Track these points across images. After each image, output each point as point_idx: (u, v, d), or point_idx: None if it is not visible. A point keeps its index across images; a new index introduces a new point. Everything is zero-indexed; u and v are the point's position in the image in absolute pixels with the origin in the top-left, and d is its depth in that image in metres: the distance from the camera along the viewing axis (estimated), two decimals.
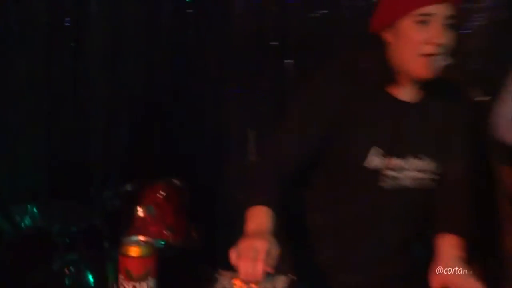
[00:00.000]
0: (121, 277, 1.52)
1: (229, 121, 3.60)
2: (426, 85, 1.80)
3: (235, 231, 1.77)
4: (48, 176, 3.51)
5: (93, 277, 2.74)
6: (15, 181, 3.49)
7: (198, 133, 3.61)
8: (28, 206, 3.11)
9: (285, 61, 3.61)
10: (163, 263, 1.73)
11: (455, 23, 1.73)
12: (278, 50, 3.61)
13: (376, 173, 1.84)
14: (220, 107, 3.60)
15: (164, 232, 2.76)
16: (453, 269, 1.84)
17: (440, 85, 1.76)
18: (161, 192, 2.80)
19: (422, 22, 1.70)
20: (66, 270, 2.77)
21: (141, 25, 3.54)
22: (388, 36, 1.78)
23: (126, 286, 1.51)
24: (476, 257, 3.04)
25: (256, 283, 1.51)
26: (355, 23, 3.49)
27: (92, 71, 3.52)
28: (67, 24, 3.46)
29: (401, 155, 1.84)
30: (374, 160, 1.82)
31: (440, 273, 1.84)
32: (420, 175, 1.88)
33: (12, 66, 3.43)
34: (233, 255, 1.54)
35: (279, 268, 1.58)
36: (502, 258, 2.74)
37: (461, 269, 1.82)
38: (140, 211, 2.79)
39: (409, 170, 1.87)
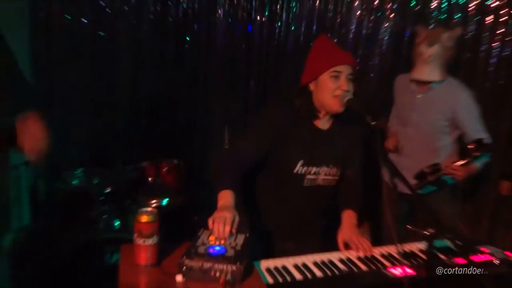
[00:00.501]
0: (135, 235, 1.50)
1: (212, 121, 3.56)
2: (336, 118, 1.86)
3: (210, 194, 1.80)
4: (90, 152, 3.44)
5: (118, 223, 2.72)
6: (67, 154, 3.42)
7: (191, 129, 3.56)
8: (76, 172, 3.02)
9: (250, 81, 3.59)
10: (166, 214, 1.70)
11: (354, 76, 1.80)
12: (245, 73, 3.58)
13: (301, 176, 1.89)
14: (207, 111, 3.56)
15: (168, 194, 2.75)
16: (351, 231, 1.88)
17: (344, 118, 1.81)
18: (165, 167, 2.77)
19: (335, 76, 1.77)
20: (100, 217, 2.74)
21: (154, 52, 3.47)
22: (312, 86, 1.83)
23: (138, 240, 1.49)
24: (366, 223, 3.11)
25: (224, 239, 1.52)
26: (296, 57, 3.51)
27: (120, 83, 3.45)
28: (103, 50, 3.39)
29: (317, 165, 1.90)
30: (300, 168, 1.87)
31: (343, 233, 1.89)
32: (328, 177, 1.95)
33: (65, 72, 3.34)
34: (210, 221, 1.57)
35: (239, 229, 1.59)
36: (382, 223, 2.82)
37: (355, 231, 1.89)
38: (151, 179, 2.75)
39: (322, 175, 1.93)
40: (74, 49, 3.31)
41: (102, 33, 3.34)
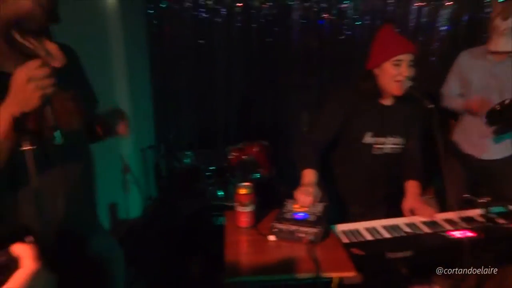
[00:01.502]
0: (236, 204, 1.57)
1: (291, 107, 3.57)
2: (398, 97, 1.76)
3: (293, 169, 1.80)
4: (199, 136, 3.63)
5: (221, 193, 2.82)
6: (182, 138, 3.64)
7: (277, 116, 3.61)
8: (188, 152, 3.18)
9: (323, 72, 3.54)
10: (257, 185, 1.75)
11: (414, 64, 1.68)
12: (318, 65, 3.53)
13: (369, 146, 1.82)
14: (287, 100, 3.58)
15: (259, 169, 2.78)
16: (415, 200, 1.82)
17: (406, 97, 1.71)
18: (256, 148, 2.81)
19: (396, 64, 1.67)
20: (208, 188, 2.87)
21: (242, 52, 3.53)
22: (376, 71, 1.74)
23: (239, 208, 1.56)
24: (431, 190, 2.95)
25: (307, 207, 1.55)
26: (363, 48, 3.40)
27: (217, 79, 3.57)
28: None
29: (383, 135, 1.82)
30: (368, 139, 1.81)
31: (408, 202, 1.83)
32: (394, 146, 1.86)
33: (175, 72, 3.55)
34: (296, 193, 1.59)
35: (319, 200, 1.62)
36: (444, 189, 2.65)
37: (419, 200, 1.82)
38: (245, 158, 2.80)
39: (388, 144, 1.84)
40: (181, 54, 3.50)
41: (201, 41, 3.49)
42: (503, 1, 2.31)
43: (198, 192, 2.87)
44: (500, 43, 2.25)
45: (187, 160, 3.15)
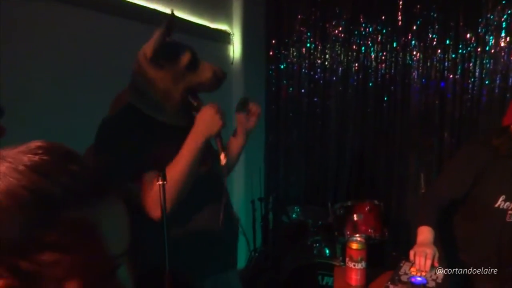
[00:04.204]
0: (347, 259, 1.55)
1: (407, 167, 3.43)
2: None
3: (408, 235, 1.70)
4: (306, 193, 3.67)
5: (328, 251, 2.77)
6: (290, 194, 3.71)
7: (392, 176, 3.49)
8: (295, 207, 3.20)
9: (444, 133, 3.36)
10: (367, 247, 1.69)
11: None
12: (439, 125, 3.37)
13: (502, 212, 1.66)
14: (402, 159, 3.45)
15: (369, 230, 2.68)
16: None
17: None
18: (367, 207, 2.73)
19: None
20: (314, 245, 2.83)
21: (356, 109, 3.57)
22: None
23: (350, 264, 1.54)
24: None
25: (425, 271, 1.46)
26: (491, 108, 3.20)
27: (330, 136, 3.64)
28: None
29: None
30: (501, 203, 1.64)
31: None
32: None
33: (289, 128, 3.70)
34: (411, 254, 1.51)
35: (438, 262, 1.51)
36: None
37: None
38: (355, 217, 2.72)
39: None
40: (296, 111, 3.68)
41: (316, 99, 3.63)
42: None
43: (304, 248, 2.82)
44: None
45: (294, 215, 3.17)
